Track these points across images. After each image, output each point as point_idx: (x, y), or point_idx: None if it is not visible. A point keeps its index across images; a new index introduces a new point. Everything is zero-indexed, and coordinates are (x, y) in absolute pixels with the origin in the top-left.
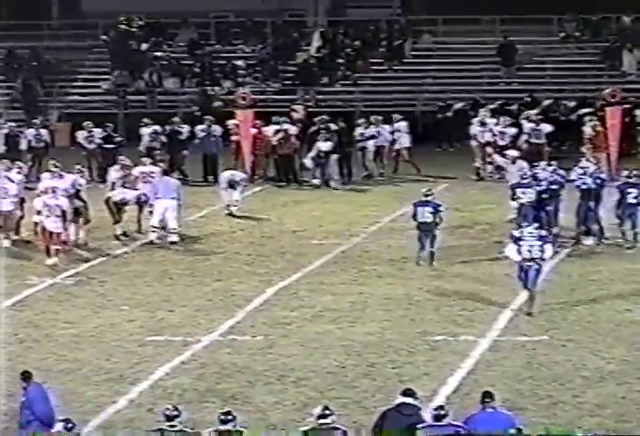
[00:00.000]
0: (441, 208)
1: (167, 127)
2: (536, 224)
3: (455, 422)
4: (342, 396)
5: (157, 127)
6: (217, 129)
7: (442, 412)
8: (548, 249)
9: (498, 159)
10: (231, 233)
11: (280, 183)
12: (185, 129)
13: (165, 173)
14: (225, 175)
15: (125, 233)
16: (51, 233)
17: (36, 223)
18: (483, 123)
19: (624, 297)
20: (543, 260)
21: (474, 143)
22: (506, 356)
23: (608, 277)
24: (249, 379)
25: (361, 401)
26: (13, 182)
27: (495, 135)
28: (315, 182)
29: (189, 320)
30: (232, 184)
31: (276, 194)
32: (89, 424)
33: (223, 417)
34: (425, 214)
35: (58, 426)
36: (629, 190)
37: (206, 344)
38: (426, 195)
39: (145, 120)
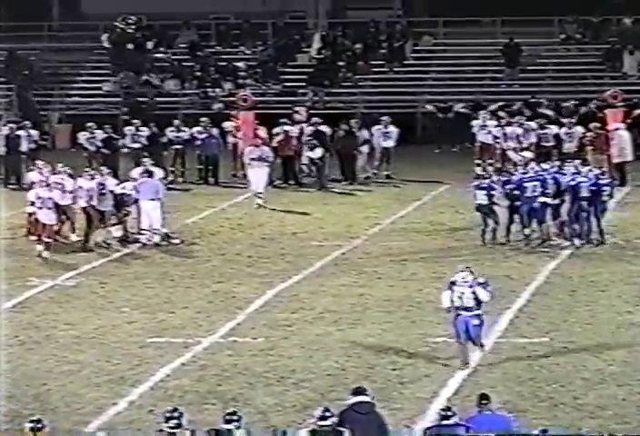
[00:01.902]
0: (494, 191)
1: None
2: (469, 270)
3: (462, 422)
4: (342, 398)
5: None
6: (215, 131)
7: (449, 413)
8: (482, 294)
9: (514, 156)
10: (231, 235)
11: (281, 184)
12: (187, 132)
13: (150, 174)
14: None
15: (125, 235)
16: (44, 225)
17: (30, 214)
18: (502, 125)
19: (624, 299)
20: (477, 309)
21: (499, 145)
22: (507, 358)
23: (609, 279)
24: (250, 380)
25: None
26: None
27: (495, 137)
28: (307, 181)
29: (190, 321)
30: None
31: (277, 196)
32: (90, 426)
33: (227, 417)
34: (481, 197)
35: (27, 426)
36: (603, 188)
37: (207, 346)
38: (484, 178)
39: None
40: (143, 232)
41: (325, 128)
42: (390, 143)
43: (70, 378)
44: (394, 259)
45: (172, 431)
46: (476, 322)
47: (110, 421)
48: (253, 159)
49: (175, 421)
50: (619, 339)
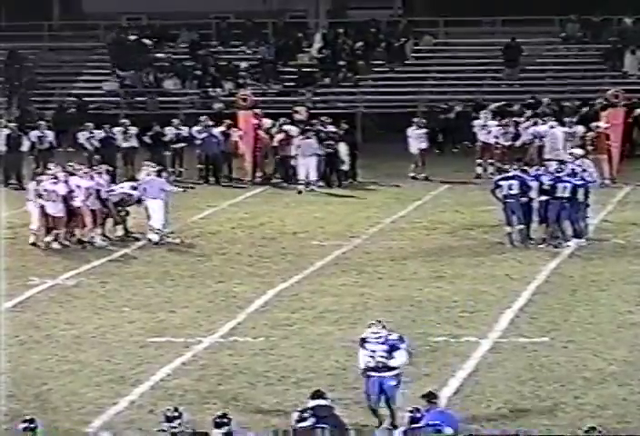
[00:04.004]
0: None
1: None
2: (381, 325)
3: (432, 422)
4: (343, 397)
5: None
6: (216, 130)
7: (418, 415)
8: (398, 356)
9: (563, 155)
10: (232, 235)
11: (281, 183)
12: (185, 131)
13: (158, 173)
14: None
15: (126, 234)
16: (52, 218)
17: (42, 206)
18: (503, 125)
19: (625, 298)
20: (393, 369)
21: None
22: (507, 357)
23: (609, 278)
24: (250, 380)
25: (362, 402)
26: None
27: (496, 137)
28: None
29: (190, 321)
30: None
31: (277, 196)
32: (90, 425)
33: (218, 420)
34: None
35: (20, 426)
36: (582, 186)
37: (207, 345)
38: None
39: (124, 120)
40: (152, 230)
41: (331, 128)
42: (424, 145)
43: (70, 377)
44: (394, 258)
45: (172, 430)
46: (392, 382)
47: (110, 420)
48: (299, 152)
49: (176, 421)
50: (620, 338)
